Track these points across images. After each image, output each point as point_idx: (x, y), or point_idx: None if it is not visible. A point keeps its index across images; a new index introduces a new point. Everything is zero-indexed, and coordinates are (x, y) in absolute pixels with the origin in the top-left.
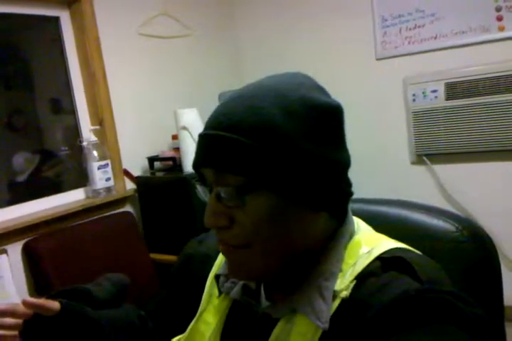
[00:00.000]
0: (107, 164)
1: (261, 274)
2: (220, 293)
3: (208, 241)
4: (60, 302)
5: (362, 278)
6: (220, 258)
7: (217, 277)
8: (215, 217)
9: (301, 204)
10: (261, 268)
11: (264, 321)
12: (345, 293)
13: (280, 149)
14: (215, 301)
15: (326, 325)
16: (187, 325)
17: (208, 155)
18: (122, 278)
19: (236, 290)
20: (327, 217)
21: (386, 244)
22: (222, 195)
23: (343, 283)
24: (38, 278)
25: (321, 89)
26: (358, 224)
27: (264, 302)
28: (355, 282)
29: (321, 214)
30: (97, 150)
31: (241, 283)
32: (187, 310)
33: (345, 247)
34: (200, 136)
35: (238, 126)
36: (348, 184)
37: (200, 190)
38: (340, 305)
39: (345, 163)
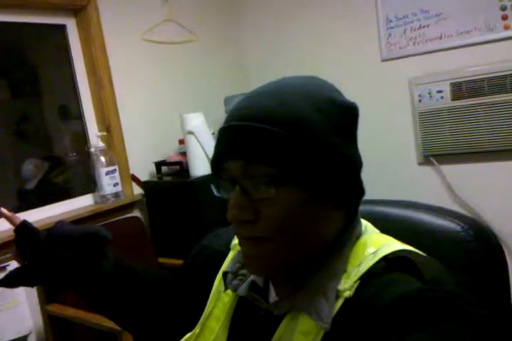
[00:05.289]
0: (115, 170)
1: (274, 269)
2: (226, 289)
3: (222, 237)
4: (24, 221)
5: (366, 278)
6: (230, 256)
7: (225, 274)
8: (239, 210)
9: (326, 199)
10: (276, 263)
11: (270, 318)
12: (348, 293)
13: (312, 143)
14: (225, 298)
15: (328, 326)
16: (192, 316)
17: (238, 147)
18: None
19: (243, 287)
20: (343, 215)
21: (392, 245)
22: (251, 187)
23: (347, 283)
24: None
25: (339, 92)
26: (365, 225)
27: (274, 298)
28: (359, 282)
29: (340, 211)
30: (104, 156)
31: (249, 280)
32: (197, 305)
33: (351, 248)
34: (226, 128)
35: (271, 118)
36: (362, 182)
37: (218, 183)
38: (343, 304)
39: (360, 161)
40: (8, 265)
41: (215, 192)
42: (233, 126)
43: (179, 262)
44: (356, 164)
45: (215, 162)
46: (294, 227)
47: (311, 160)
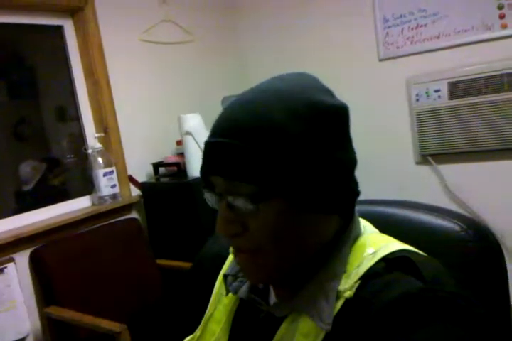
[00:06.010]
0: (112, 171)
1: (273, 277)
2: (228, 292)
3: (221, 240)
4: None
5: (366, 278)
6: (230, 258)
7: (225, 276)
8: (227, 225)
9: (312, 208)
10: (273, 272)
11: (270, 320)
12: (349, 293)
13: (288, 154)
14: (225, 300)
15: (329, 327)
16: (194, 319)
17: (217, 164)
18: None
19: (244, 290)
20: (337, 218)
21: (391, 245)
22: (235, 203)
23: (347, 283)
24: (45, 285)
25: (327, 91)
26: (364, 225)
27: (274, 300)
28: (359, 282)
29: (332, 216)
30: (102, 157)
31: (248, 282)
32: (199, 309)
33: (350, 249)
34: (206, 143)
35: (244, 132)
36: (355, 183)
37: (208, 195)
38: (344, 305)
39: (352, 162)
40: (5, 267)
41: (209, 203)
42: (213, 143)
43: (177, 264)
44: (347, 166)
45: (201, 176)
46: (283, 237)
47: (290, 172)
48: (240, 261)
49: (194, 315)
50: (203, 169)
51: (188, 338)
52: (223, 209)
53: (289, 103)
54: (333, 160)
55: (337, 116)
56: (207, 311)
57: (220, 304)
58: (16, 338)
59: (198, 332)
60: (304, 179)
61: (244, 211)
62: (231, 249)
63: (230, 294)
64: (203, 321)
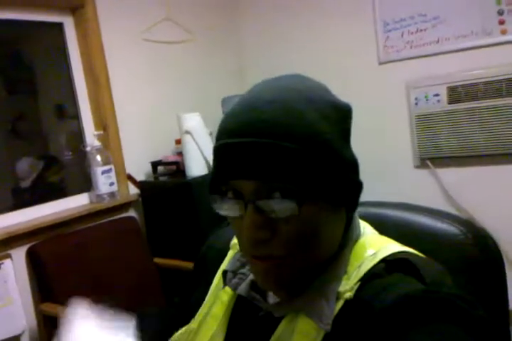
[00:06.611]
0: (111, 169)
1: (291, 284)
2: (224, 285)
3: (223, 236)
4: None
5: (366, 279)
6: (230, 254)
7: (224, 272)
8: (257, 230)
9: (337, 204)
10: (293, 278)
11: (268, 318)
12: (349, 294)
13: (327, 155)
14: (223, 296)
15: (328, 327)
16: (191, 311)
17: (251, 166)
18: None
19: (243, 287)
20: (345, 217)
21: (391, 247)
22: (268, 206)
23: (348, 284)
24: (41, 282)
25: (330, 90)
26: (364, 227)
27: (274, 299)
28: (359, 283)
29: (342, 214)
30: (100, 155)
31: (248, 279)
32: (197, 298)
33: (350, 250)
34: (228, 144)
35: (282, 132)
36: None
37: (221, 202)
38: (343, 306)
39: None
40: (2, 263)
41: (219, 211)
42: (238, 143)
43: (175, 262)
44: (358, 165)
45: (220, 181)
46: (310, 240)
47: (327, 172)
48: (258, 270)
49: (193, 307)
50: (227, 172)
51: (183, 329)
52: (251, 215)
53: (317, 104)
54: (352, 157)
55: (349, 117)
56: (203, 305)
57: (218, 299)
58: (12, 334)
59: (195, 325)
60: (336, 178)
61: (284, 214)
62: (231, 244)
63: (229, 290)
64: (200, 315)
